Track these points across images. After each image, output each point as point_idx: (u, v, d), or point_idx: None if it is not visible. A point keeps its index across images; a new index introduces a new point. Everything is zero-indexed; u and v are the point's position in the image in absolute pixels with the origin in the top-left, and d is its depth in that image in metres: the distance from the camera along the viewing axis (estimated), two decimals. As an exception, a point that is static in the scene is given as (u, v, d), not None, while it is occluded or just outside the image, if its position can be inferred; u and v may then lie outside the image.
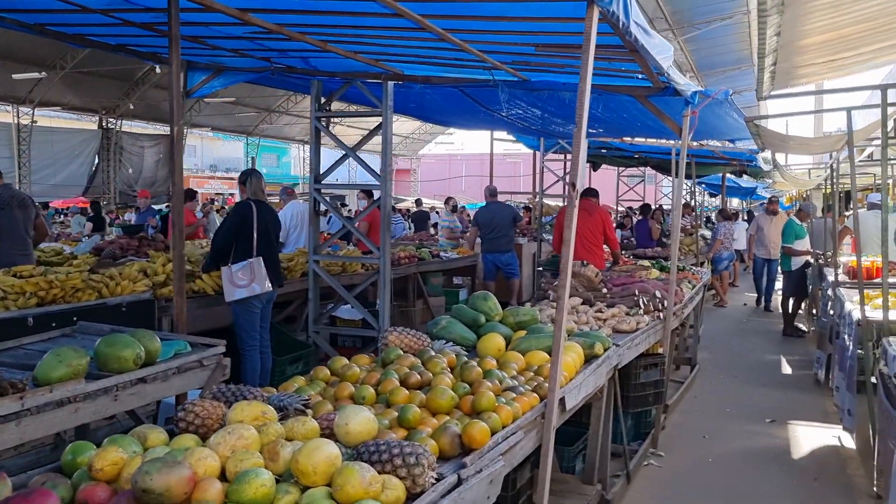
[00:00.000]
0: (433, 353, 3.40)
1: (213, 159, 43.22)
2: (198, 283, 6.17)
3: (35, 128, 24.53)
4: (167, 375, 3.33)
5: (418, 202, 23.11)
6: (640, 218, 15.02)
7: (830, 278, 8.22)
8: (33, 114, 24.37)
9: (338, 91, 6.81)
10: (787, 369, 8.96)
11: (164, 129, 29.89)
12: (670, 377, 6.81)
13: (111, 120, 26.94)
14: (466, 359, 3.45)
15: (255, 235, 6.11)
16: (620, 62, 4.87)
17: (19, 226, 6.64)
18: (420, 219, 20.23)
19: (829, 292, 8.06)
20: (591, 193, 8.59)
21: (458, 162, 57.54)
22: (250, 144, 36.39)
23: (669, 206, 17.19)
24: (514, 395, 3.01)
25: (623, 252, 12.78)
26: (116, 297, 5.32)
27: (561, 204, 14.82)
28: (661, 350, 5.89)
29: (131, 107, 26.16)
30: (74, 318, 4.25)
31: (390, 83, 6.45)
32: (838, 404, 6.53)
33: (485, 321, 4.23)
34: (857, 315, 5.54)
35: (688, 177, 14.35)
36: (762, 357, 9.62)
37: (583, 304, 5.56)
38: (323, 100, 6.93)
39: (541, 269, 10.14)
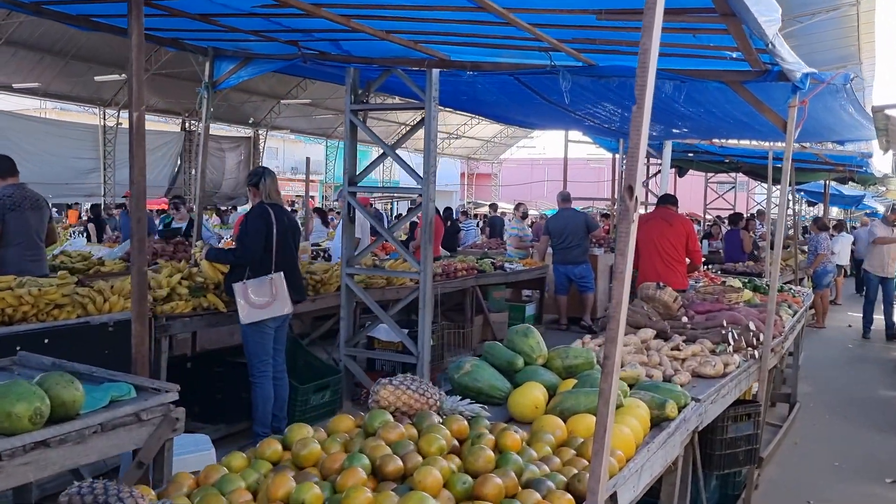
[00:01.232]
0: (435, 421, 2.47)
1: (294, 162, 43.36)
2: (210, 298, 5.40)
3: (120, 129, 24.89)
4: (84, 436, 2.52)
5: (493, 207, 22.12)
6: (729, 228, 13.64)
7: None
8: (118, 115, 24.73)
9: (376, 80, 5.97)
10: (906, 410, 7.61)
11: (244, 132, 30.11)
12: (765, 417, 5.67)
13: (193, 122, 27.17)
14: (484, 429, 2.49)
15: (273, 246, 5.32)
16: (708, 34, 3.82)
17: (31, 230, 6.02)
18: (494, 225, 19.28)
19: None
20: (669, 200, 7.48)
21: (539, 166, 56.48)
22: (329, 147, 36.26)
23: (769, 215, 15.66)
24: (538, 496, 2.05)
25: (710, 267, 11.55)
26: (105, 314, 4.59)
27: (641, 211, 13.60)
28: (755, 392, 4.79)
29: (211, 109, 26.35)
30: (18, 347, 3.50)
31: (435, 71, 5.55)
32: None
33: (523, 365, 3.27)
34: None
35: (780, 182, 12.96)
36: (875, 392, 8.25)
37: (656, 337, 4.51)
38: (361, 92, 6.09)
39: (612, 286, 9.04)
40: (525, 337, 3.36)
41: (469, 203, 41.17)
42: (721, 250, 13.88)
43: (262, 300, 5.26)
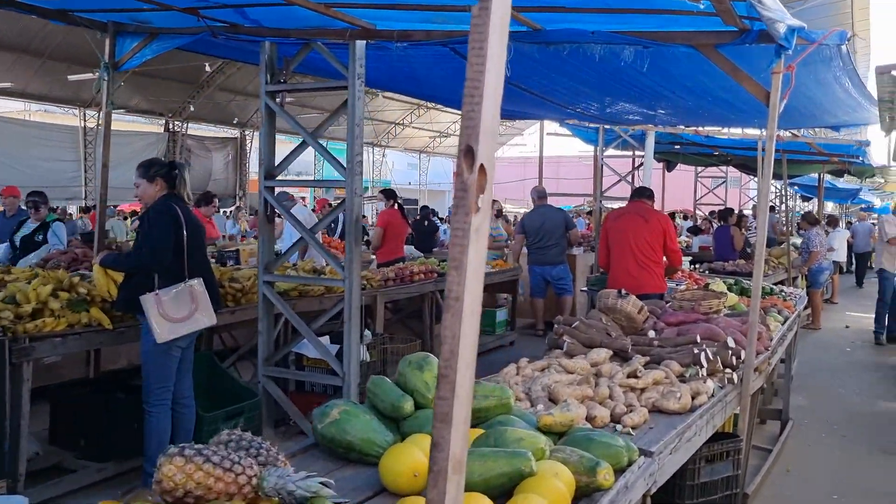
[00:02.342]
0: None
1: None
2: (93, 313, 4.55)
3: (100, 131, 23.98)
4: None
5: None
6: (720, 224, 12.82)
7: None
8: (98, 117, 23.81)
9: (295, 57, 5.12)
10: (913, 425, 6.79)
11: (230, 132, 29.23)
12: (752, 440, 4.86)
13: (177, 123, 26.27)
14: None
15: (185, 248, 4.52)
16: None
17: None
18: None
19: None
20: (644, 194, 6.65)
21: (532, 165, 55.79)
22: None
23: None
24: None
25: (697, 266, 10.74)
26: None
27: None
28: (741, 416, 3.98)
29: (191, 109, 25.46)
30: None
31: (359, 43, 4.71)
32: None
33: (413, 409, 2.44)
34: None
35: (778, 177, 12.13)
36: (877, 405, 7.43)
37: (615, 357, 3.68)
38: (278, 72, 5.25)
39: (584, 289, 8.20)
40: (419, 370, 2.52)
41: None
42: (711, 247, 13.07)
43: (181, 312, 4.45)
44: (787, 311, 6.01)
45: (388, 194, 9.87)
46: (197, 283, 4.51)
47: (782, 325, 5.46)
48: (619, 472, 2.26)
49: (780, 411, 6.45)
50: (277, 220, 6.57)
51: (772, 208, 18.00)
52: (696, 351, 3.58)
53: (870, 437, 6.31)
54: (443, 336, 1.13)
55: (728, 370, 3.70)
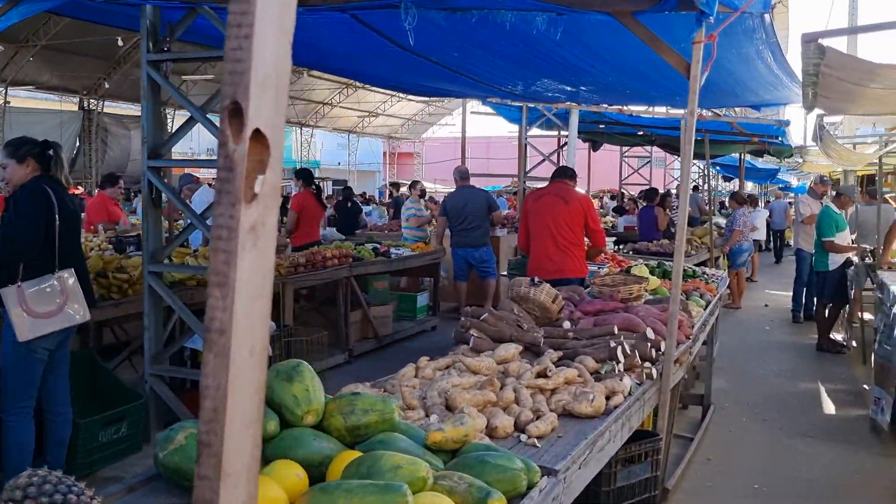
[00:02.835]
0: None
1: (210, 142, 40.85)
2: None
3: (9, 108, 22.43)
4: None
5: (395, 186, 20.82)
6: (644, 205, 12.76)
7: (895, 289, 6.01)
8: (6, 93, 22.25)
9: (180, 23, 4.62)
10: (829, 406, 6.75)
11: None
12: (672, 430, 4.67)
13: (92, 100, 24.84)
14: None
15: (56, 235, 4.02)
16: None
17: None
18: (398, 205, 18.05)
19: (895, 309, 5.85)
20: (565, 174, 6.38)
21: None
22: None
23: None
24: None
25: (621, 248, 10.63)
26: None
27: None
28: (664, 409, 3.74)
29: (106, 86, 24.11)
30: None
31: (250, 7, 4.25)
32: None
33: (277, 429, 2.07)
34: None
35: (700, 157, 12.11)
36: (796, 386, 7.41)
37: (525, 352, 3.38)
38: (162, 39, 4.73)
39: (505, 273, 7.93)
40: (289, 381, 2.14)
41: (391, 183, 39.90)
42: (636, 227, 13.03)
43: (48, 307, 3.95)
44: (710, 294, 5.86)
45: (302, 175, 9.38)
46: (67, 275, 4.03)
47: (704, 309, 5.29)
48: (517, 498, 1.94)
49: (703, 396, 6.32)
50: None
51: (696, 188, 18.18)
52: (612, 344, 3.31)
53: (790, 420, 6.24)
54: (203, 387, 0.76)
55: (647, 364, 3.45)
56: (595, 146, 16.70)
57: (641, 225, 12.22)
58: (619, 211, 15.69)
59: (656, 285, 5.81)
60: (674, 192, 16.52)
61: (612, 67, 5.34)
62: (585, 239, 6.23)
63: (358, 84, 28.24)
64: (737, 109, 10.80)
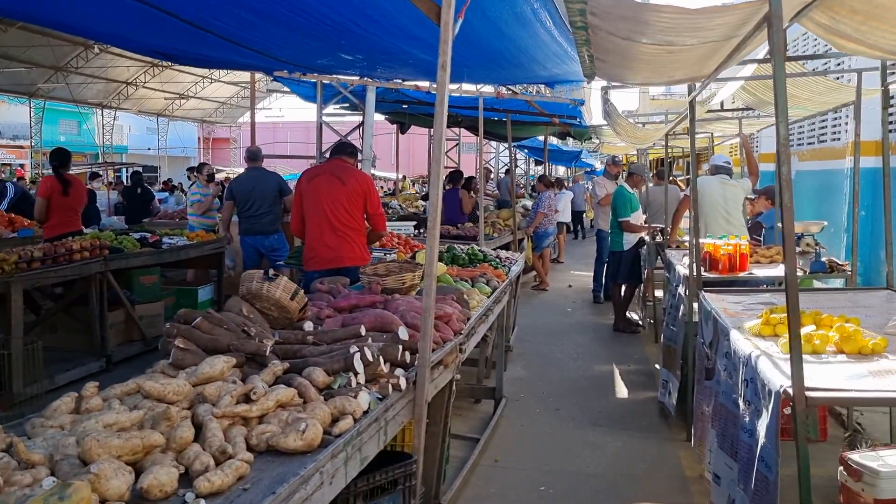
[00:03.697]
0: None
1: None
2: None
3: None
4: None
5: (192, 170, 19.21)
6: (449, 187, 12.42)
7: (680, 269, 5.89)
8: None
9: None
10: (622, 390, 6.61)
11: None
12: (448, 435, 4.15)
13: None
14: None
15: None
16: None
17: None
18: (195, 191, 16.64)
19: (680, 290, 5.73)
20: (343, 150, 5.73)
21: (281, 130, 53.86)
22: (36, 108, 30.48)
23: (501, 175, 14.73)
24: None
25: (422, 231, 10.16)
26: None
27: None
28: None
29: None
30: None
31: None
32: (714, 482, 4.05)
33: None
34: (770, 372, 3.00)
35: (503, 137, 11.94)
36: (590, 369, 7.25)
37: (249, 366, 2.68)
38: None
39: (281, 263, 7.17)
40: None
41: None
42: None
43: None
44: (497, 279, 5.43)
45: (57, 156, 8.08)
46: None
47: (489, 297, 4.84)
48: None
49: (494, 389, 5.93)
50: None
51: (508, 171, 18.24)
52: (351, 351, 2.68)
53: (582, 408, 5.99)
54: None
55: (399, 371, 2.86)
56: (403, 128, 16.24)
57: (446, 207, 11.85)
58: (426, 197, 15.32)
59: (442, 271, 5.31)
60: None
61: (378, 26, 4.72)
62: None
63: (165, 64, 25.93)
64: (535, 90, 10.65)
